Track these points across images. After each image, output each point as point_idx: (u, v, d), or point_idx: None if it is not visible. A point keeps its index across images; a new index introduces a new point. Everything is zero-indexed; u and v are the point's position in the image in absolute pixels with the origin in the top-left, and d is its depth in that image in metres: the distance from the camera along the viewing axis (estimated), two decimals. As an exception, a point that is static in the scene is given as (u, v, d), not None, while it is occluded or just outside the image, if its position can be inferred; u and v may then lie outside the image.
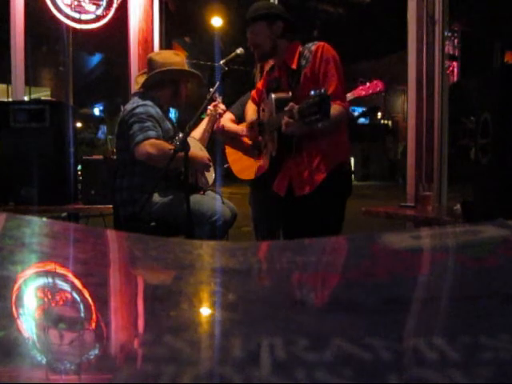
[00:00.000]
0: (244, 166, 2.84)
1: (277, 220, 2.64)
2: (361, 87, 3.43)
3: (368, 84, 3.45)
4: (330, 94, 2.16)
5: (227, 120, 2.81)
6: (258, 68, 2.90)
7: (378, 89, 3.45)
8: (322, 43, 2.25)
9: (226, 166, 2.98)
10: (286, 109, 2.08)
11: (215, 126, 2.86)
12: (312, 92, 1.91)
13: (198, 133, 2.87)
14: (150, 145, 2.41)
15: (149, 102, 2.55)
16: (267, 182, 2.46)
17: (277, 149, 2.27)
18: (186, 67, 2.76)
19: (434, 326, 0.43)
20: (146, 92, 2.65)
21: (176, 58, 2.70)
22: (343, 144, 2.32)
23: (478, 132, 2.22)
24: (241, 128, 2.69)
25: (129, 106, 2.56)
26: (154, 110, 2.54)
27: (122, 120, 2.56)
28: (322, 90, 1.89)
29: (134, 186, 2.52)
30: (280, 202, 2.38)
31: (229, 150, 2.92)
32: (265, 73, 2.56)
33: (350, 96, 3.37)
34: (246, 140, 2.65)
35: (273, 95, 2.25)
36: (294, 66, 2.25)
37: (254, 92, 2.62)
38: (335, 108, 2.15)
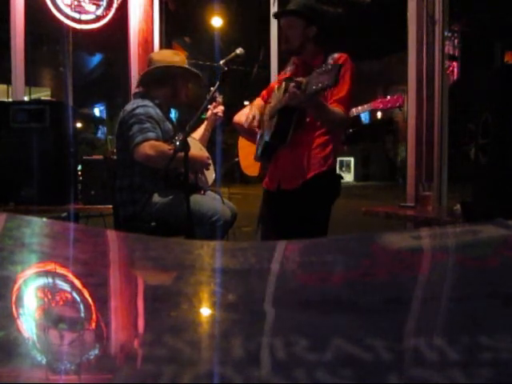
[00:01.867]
0: (252, 161, 2.84)
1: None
2: (380, 100, 3.46)
3: (389, 97, 3.49)
4: (339, 98, 2.19)
5: (240, 114, 2.80)
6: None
7: (398, 104, 3.49)
8: (345, 54, 2.29)
9: (236, 159, 2.97)
10: (294, 83, 2.08)
11: (233, 118, 2.84)
12: (324, 64, 1.96)
13: (197, 133, 2.87)
14: (149, 146, 2.41)
15: (149, 103, 2.55)
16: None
17: (272, 134, 2.25)
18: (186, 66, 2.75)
19: (433, 325, 0.43)
20: (146, 92, 2.64)
21: (175, 57, 2.70)
22: (336, 148, 2.35)
23: (478, 132, 2.22)
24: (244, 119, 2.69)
25: (129, 107, 2.56)
26: (154, 110, 2.54)
27: (121, 120, 2.55)
28: (337, 60, 1.95)
29: (134, 186, 2.52)
30: (270, 197, 2.39)
31: (242, 144, 2.90)
32: (281, 73, 2.57)
33: (366, 107, 3.40)
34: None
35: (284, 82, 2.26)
36: (313, 66, 2.26)
37: (264, 91, 2.62)
38: (338, 111, 2.18)
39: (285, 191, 2.29)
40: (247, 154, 2.87)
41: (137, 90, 2.75)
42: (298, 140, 2.24)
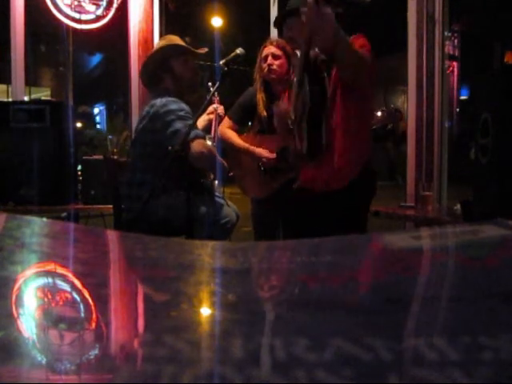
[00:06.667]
0: (255, 181, 2.81)
1: (278, 219, 2.64)
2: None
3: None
4: (360, 45, 2.09)
5: (230, 131, 2.80)
6: (262, 93, 2.84)
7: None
8: (360, 34, 2.20)
9: (230, 174, 2.92)
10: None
11: (217, 131, 2.83)
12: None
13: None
14: (203, 144, 2.31)
15: (176, 99, 2.43)
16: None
17: (307, 148, 2.13)
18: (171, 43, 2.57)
19: (433, 326, 0.43)
20: (163, 91, 2.51)
21: (160, 43, 2.63)
22: (368, 142, 2.28)
23: (478, 132, 2.22)
24: (258, 151, 2.69)
25: (157, 102, 2.42)
26: (185, 105, 2.43)
27: (153, 116, 2.41)
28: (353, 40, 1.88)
29: (144, 182, 2.46)
30: (306, 199, 2.30)
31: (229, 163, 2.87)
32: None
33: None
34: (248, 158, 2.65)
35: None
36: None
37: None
38: (362, 51, 2.04)
39: (325, 193, 2.21)
40: (241, 176, 2.86)
41: (152, 89, 2.62)
42: (333, 143, 2.14)
